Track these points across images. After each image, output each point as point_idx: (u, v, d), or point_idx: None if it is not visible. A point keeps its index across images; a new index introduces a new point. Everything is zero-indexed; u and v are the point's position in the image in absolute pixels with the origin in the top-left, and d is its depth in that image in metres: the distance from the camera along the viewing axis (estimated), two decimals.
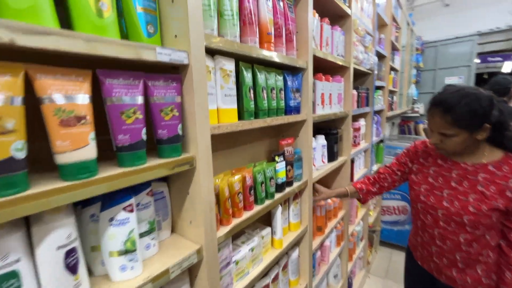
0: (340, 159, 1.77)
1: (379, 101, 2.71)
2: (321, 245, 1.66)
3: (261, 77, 0.96)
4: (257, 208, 0.99)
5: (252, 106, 0.92)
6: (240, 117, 0.91)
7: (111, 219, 0.57)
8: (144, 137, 0.58)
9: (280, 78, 1.10)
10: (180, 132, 0.66)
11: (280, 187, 1.14)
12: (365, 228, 2.58)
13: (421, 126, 4.67)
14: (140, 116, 0.57)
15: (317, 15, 1.36)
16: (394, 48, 3.31)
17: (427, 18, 5.35)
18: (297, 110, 1.22)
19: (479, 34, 4.78)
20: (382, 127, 2.90)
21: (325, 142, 1.54)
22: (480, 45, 5.04)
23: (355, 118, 2.25)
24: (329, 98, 1.55)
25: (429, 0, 5.26)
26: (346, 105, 1.80)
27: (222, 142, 1.04)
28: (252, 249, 1.00)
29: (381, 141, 2.99)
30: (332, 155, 1.68)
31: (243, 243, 1.02)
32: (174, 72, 0.67)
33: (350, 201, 2.06)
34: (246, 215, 0.94)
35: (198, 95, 0.66)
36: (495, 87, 2.33)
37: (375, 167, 2.74)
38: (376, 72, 2.40)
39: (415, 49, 4.78)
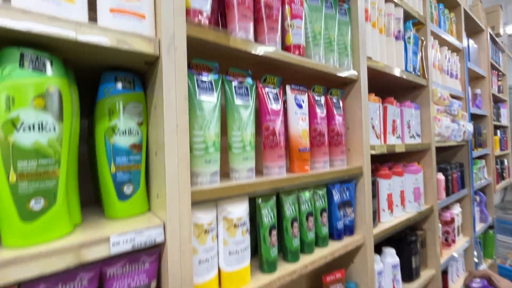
0: (423, 276, 1.26)
1: (482, 175, 2.03)
2: None
3: (290, 207, 0.72)
4: None
5: (275, 253, 0.67)
6: (260, 268, 0.67)
7: None
8: None
9: (322, 193, 0.83)
10: None
11: None
12: None
13: None
14: None
15: (376, 97, 1.08)
16: (497, 101, 2.58)
17: None
18: (349, 230, 0.90)
19: None
20: (489, 208, 2.13)
21: (397, 260, 1.11)
22: None
23: (448, 206, 1.69)
24: (401, 197, 1.15)
25: None
26: (429, 199, 1.34)
27: None
28: None
29: (490, 227, 2.18)
30: (410, 273, 1.20)
31: None
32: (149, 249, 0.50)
33: None
34: None
35: (173, 278, 0.47)
36: None
37: (483, 267, 1.95)
38: (472, 139, 1.83)
39: None
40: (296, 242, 0.72)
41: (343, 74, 0.86)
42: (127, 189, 0.51)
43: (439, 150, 1.86)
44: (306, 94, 0.80)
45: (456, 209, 1.67)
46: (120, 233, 0.43)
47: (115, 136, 0.50)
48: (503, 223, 2.92)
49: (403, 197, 1.17)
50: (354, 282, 0.92)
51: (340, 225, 0.86)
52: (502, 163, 2.53)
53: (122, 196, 0.51)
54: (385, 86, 1.33)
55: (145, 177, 0.55)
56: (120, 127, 0.50)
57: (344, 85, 0.96)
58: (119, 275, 0.46)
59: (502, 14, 4.20)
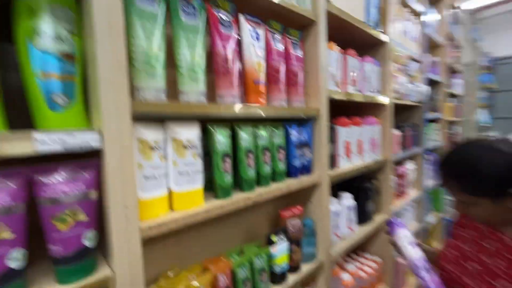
0: (376, 220, 1.37)
1: (434, 137, 2.20)
2: None
3: (245, 138, 0.72)
4: None
5: (229, 179, 0.68)
6: (213, 192, 0.68)
7: None
8: (13, 264, 0.39)
9: (280, 133, 0.85)
10: (88, 243, 0.46)
11: (279, 278, 0.84)
12: None
13: None
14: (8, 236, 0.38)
15: (337, 47, 1.10)
16: (452, 71, 2.77)
17: (496, 32, 4.53)
18: (306, 169, 0.94)
19: None
20: None
21: (353, 203, 1.20)
22: None
23: (401, 162, 1.82)
24: (358, 146, 1.22)
25: (498, 11, 4.48)
26: (385, 151, 1.43)
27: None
28: None
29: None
30: (364, 216, 1.30)
31: None
32: (89, 156, 0.48)
33: (395, 267, 1.59)
34: None
35: (113, 189, 0.46)
36: None
37: (431, 218, 2.18)
38: (427, 103, 1.96)
39: (480, 68, 4.02)
40: (251, 172, 0.74)
41: (301, 12, 0.85)
42: (60, 100, 0.48)
43: (396, 109, 1.98)
44: (263, 27, 0.78)
45: (409, 165, 1.81)
46: (47, 132, 0.40)
47: (40, 40, 0.46)
48: None
49: (361, 146, 1.24)
50: (311, 219, 0.98)
51: (297, 163, 0.89)
52: (454, 128, 2.76)
53: (53, 106, 0.47)
54: (347, 41, 1.35)
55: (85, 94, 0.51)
56: (46, 31, 0.46)
57: (303, 28, 0.95)
58: (49, 183, 0.43)
59: None
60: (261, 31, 0.77)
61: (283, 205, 0.99)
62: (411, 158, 1.91)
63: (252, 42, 0.73)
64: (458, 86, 2.81)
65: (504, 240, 0.72)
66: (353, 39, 1.32)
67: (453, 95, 2.76)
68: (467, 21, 4.30)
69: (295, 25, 0.93)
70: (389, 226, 0.90)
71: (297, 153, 0.89)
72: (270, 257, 0.82)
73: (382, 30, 1.36)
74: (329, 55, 1.03)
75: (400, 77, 1.50)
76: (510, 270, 0.68)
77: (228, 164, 0.68)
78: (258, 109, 0.72)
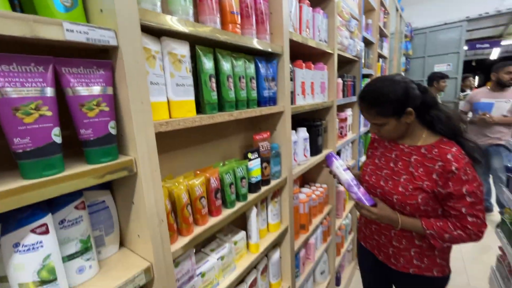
0: (325, 152, 1.67)
1: None
2: (306, 244, 1.57)
3: (225, 63, 0.83)
4: (226, 212, 0.89)
5: (215, 97, 0.80)
6: (201, 110, 0.79)
7: (16, 245, 0.45)
8: (56, 139, 0.46)
9: (251, 65, 0.97)
10: (112, 131, 0.54)
11: (254, 187, 1.03)
12: (354, 220, 2.52)
13: None
14: (49, 113, 0.45)
15: None
16: (382, 35, 3.19)
17: (416, 3, 5.23)
18: (272, 101, 1.10)
19: (468, 20, 4.71)
20: None
21: (307, 135, 1.44)
22: (468, 31, 4.98)
23: (341, 108, 2.15)
24: (311, 87, 1.43)
25: None
26: (331, 95, 1.69)
27: (184, 139, 0.92)
28: (222, 258, 0.90)
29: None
30: (316, 149, 1.58)
31: (213, 251, 0.92)
32: (103, 57, 0.54)
33: (337, 194, 1.99)
34: (212, 221, 0.83)
35: (132, 85, 0.54)
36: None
37: (363, 158, 2.67)
38: (363, 59, 2.29)
39: (404, 36, 4.68)
40: (231, 95, 0.86)
41: None
42: (67, 3, 0.51)
43: (340, 61, 2.27)
44: None
45: (349, 112, 2.16)
46: (73, 23, 0.45)
47: None
48: None
49: (313, 87, 1.46)
50: (277, 144, 1.17)
51: (266, 93, 1.05)
52: None
53: (61, 8, 0.50)
54: None
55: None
56: None
57: None
58: (74, 73, 0.49)
59: None
60: None
61: (254, 131, 1.15)
62: (350, 105, 2.27)
63: None
64: (386, 49, 3.28)
65: (402, 148, 1.02)
66: None
67: (382, 56, 3.23)
68: None
69: None
70: (327, 160, 1.14)
71: (266, 85, 1.04)
72: (247, 170, 0.99)
73: None
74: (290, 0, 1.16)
75: (344, 31, 1.74)
76: (406, 167, 0.98)
77: (213, 84, 0.79)
78: (235, 37, 0.83)
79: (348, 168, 1.10)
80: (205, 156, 1.02)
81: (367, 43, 2.63)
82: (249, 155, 1.00)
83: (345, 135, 2.10)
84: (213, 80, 0.79)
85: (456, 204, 0.88)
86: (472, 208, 0.86)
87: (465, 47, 6.21)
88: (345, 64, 2.24)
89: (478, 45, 6.92)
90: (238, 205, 0.94)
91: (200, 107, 0.79)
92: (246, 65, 0.95)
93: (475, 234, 0.87)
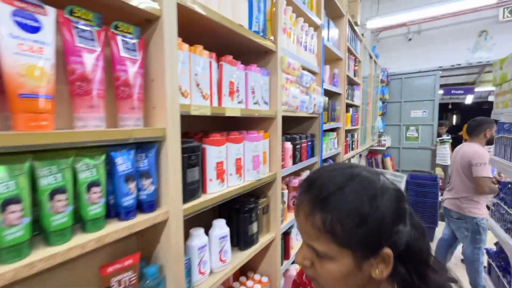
0: (262, 241, 1.29)
1: (333, 145, 2.32)
2: None
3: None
4: None
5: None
6: None
7: None
8: None
9: (95, 162, 0.61)
10: None
11: None
12: None
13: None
14: None
15: (208, 53, 0.92)
16: (352, 83, 3.02)
17: (392, 51, 5.30)
18: (149, 206, 0.73)
19: (441, 70, 4.74)
20: None
21: (225, 231, 1.05)
22: (444, 77, 5.00)
23: (298, 173, 1.82)
24: (236, 165, 1.09)
25: (394, 33, 5.24)
26: (273, 167, 1.36)
27: None
28: None
29: None
30: (246, 241, 1.19)
31: None
32: None
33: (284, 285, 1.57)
34: None
35: None
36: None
37: None
38: (326, 113, 2.02)
39: (380, 80, 4.62)
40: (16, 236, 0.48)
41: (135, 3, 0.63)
42: None
43: (294, 120, 1.98)
44: (51, 12, 0.53)
45: (305, 176, 1.83)
46: None
47: None
48: None
49: (240, 165, 1.11)
50: (158, 265, 0.78)
51: (128, 201, 0.68)
52: (352, 136, 3.03)
53: None
54: (235, 50, 1.21)
55: None
56: None
57: (146, 23, 0.73)
58: None
59: (367, 8, 4.93)
60: (46, 17, 0.52)
61: (119, 255, 0.76)
62: (309, 168, 1.94)
63: (14, 31, 0.47)
64: (357, 97, 3.09)
65: None
66: (241, 47, 1.18)
67: (352, 105, 3.02)
68: (369, 39, 4.88)
69: (131, 19, 0.70)
70: None
71: (128, 187, 0.68)
72: None
73: (271, 39, 1.26)
74: (196, 61, 0.85)
75: (293, 89, 1.45)
76: None
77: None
78: (28, 139, 0.47)
79: None
80: None
81: (333, 94, 2.40)
82: None
83: None
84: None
85: None
86: None
87: (441, 91, 6.31)
88: (303, 121, 1.95)
89: (453, 91, 7.09)
90: None
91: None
92: (80, 168, 0.58)
93: None
